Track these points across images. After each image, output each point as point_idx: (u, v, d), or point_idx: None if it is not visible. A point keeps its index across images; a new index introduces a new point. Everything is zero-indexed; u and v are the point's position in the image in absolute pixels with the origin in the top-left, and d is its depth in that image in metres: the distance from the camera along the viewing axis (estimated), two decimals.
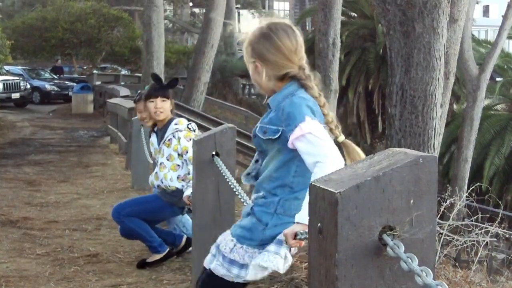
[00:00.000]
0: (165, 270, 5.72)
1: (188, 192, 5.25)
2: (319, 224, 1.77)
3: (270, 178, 2.93)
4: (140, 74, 25.76)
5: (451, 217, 7.82)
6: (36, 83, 29.72)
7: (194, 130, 5.48)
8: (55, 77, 32.27)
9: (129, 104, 12.06)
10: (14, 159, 13.35)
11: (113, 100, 14.80)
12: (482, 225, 15.58)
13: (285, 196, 2.91)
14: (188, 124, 5.49)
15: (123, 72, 31.76)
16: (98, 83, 26.05)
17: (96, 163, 12.80)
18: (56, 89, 29.59)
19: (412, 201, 1.76)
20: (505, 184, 23.85)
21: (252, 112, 27.01)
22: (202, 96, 21.16)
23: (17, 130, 19.14)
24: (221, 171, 4.28)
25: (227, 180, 4.15)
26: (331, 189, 1.72)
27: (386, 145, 10.14)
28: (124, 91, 18.70)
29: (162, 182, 5.48)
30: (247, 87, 32.91)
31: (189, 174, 5.34)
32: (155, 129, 5.77)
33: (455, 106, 24.79)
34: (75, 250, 6.46)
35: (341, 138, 2.87)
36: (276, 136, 2.83)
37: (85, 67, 35.08)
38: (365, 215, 1.71)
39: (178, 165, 5.48)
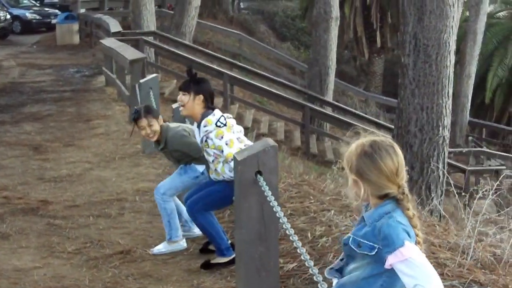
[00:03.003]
0: (204, 273, 5.60)
1: None
2: None
3: (354, 284, 2.96)
4: None
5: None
6: (16, 11, 28.65)
7: (224, 125, 5.34)
8: (36, 3, 31.32)
9: (131, 54, 11.71)
10: (10, 113, 12.97)
11: (107, 43, 14.27)
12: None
13: None
14: (216, 122, 5.34)
15: None
16: (82, 10, 25.28)
17: (96, 114, 12.43)
18: (37, 17, 28.67)
19: None
20: (509, 96, 23.72)
21: (244, 33, 26.50)
22: (194, 21, 20.68)
23: (4, 72, 18.48)
24: (265, 192, 4.31)
25: (269, 200, 4.21)
26: None
27: (399, 94, 9.98)
28: (113, 24, 18.03)
29: (224, 177, 5.42)
30: (236, 1, 32.23)
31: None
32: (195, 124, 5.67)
33: None
34: (106, 245, 6.30)
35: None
36: (372, 253, 2.86)
37: None
38: None
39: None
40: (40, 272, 5.78)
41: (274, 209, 4.14)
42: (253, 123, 16.11)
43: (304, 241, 5.66)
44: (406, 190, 2.89)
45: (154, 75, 9.82)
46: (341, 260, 3.09)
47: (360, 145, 2.90)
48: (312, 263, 3.62)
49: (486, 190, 5.65)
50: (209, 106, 5.49)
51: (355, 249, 2.91)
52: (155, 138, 6.03)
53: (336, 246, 5.45)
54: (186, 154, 5.92)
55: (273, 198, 4.23)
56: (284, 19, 31.97)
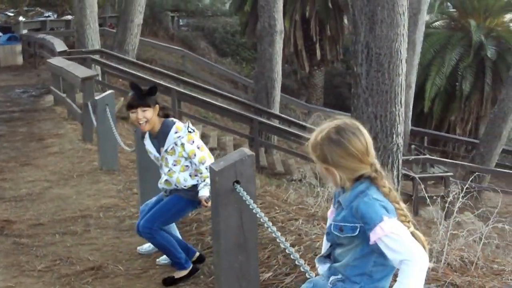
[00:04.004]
0: (179, 286, 5.61)
1: (204, 192, 5.25)
2: None
3: (348, 266, 2.95)
4: (68, 17, 25.01)
5: None
6: None
7: (194, 131, 5.39)
8: None
9: (82, 72, 11.70)
10: None
11: (55, 62, 14.22)
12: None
13: (365, 285, 2.94)
14: (187, 128, 5.36)
15: (47, 14, 30.59)
16: (25, 31, 25.02)
17: (49, 134, 12.35)
18: None
19: None
20: (448, 104, 24.17)
21: (186, 49, 26.59)
22: (136, 39, 20.71)
23: None
24: (244, 200, 4.36)
25: (251, 208, 4.28)
26: None
27: (353, 103, 10.19)
28: (59, 43, 17.99)
29: (177, 186, 5.41)
30: (176, 18, 32.29)
31: (201, 173, 5.30)
32: (146, 136, 5.59)
33: None
34: (75, 261, 6.24)
35: (411, 228, 2.89)
36: (355, 234, 2.85)
37: (11, 14, 33.47)
38: None
39: (187, 165, 5.39)
40: None
41: (258, 215, 4.19)
42: (202, 138, 16.10)
43: (277, 251, 5.71)
44: (379, 167, 2.89)
45: (109, 91, 9.84)
46: (330, 246, 3.08)
47: (326, 131, 2.87)
48: (292, 249, 3.74)
49: (456, 193, 5.82)
50: (161, 115, 5.45)
51: (338, 234, 2.90)
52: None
53: (310, 254, 5.51)
54: None
55: (255, 206, 4.28)
56: (224, 35, 32.18)
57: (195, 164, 5.32)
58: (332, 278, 3.02)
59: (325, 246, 3.15)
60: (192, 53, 26.35)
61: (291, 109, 25.80)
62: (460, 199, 5.86)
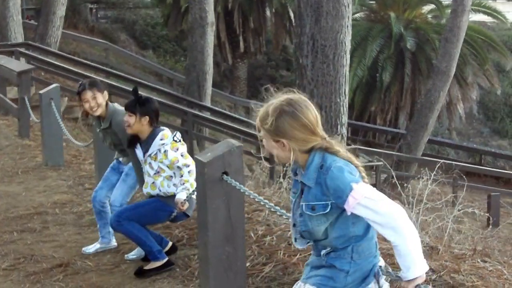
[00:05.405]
0: (156, 279, 5.53)
1: (181, 195, 5.25)
2: None
3: (333, 240, 3.00)
4: None
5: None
6: None
7: (180, 141, 5.42)
8: None
9: (17, 66, 11.39)
10: None
11: None
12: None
13: (355, 243, 3.00)
14: (173, 137, 5.41)
15: None
16: None
17: None
18: None
19: None
20: (368, 95, 24.60)
21: (106, 41, 26.13)
22: (59, 32, 20.30)
23: None
24: (236, 187, 4.43)
25: (247, 194, 4.36)
26: None
27: None
28: None
29: (160, 190, 5.43)
30: (94, 10, 31.75)
31: (182, 175, 5.32)
32: (139, 142, 5.57)
33: None
34: (40, 259, 6.09)
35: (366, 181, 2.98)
36: (327, 211, 2.89)
37: None
38: None
39: (171, 176, 5.42)
40: None
41: (256, 199, 4.25)
42: None
43: (250, 241, 5.73)
44: (327, 137, 2.96)
45: (55, 85, 9.60)
46: (294, 226, 3.11)
47: (278, 105, 2.93)
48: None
49: (425, 180, 5.97)
50: (155, 126, 5.48)
51: (311, 213, 2.93)
52: (98, 112, 5.92)
53: (283, 244, 5.57)
54: (120, 142, 5.84)
55: (251, 192, 4.34)
56: (144, 27, 31.84)
57: (179, 168, 5.34)
58: (323, 251, 3.07)
59: (294, 233, 3.17)
60: (116, 46, 25.97)
61: (217, 101, 25.75)
62: (429, 185, 6.01)
